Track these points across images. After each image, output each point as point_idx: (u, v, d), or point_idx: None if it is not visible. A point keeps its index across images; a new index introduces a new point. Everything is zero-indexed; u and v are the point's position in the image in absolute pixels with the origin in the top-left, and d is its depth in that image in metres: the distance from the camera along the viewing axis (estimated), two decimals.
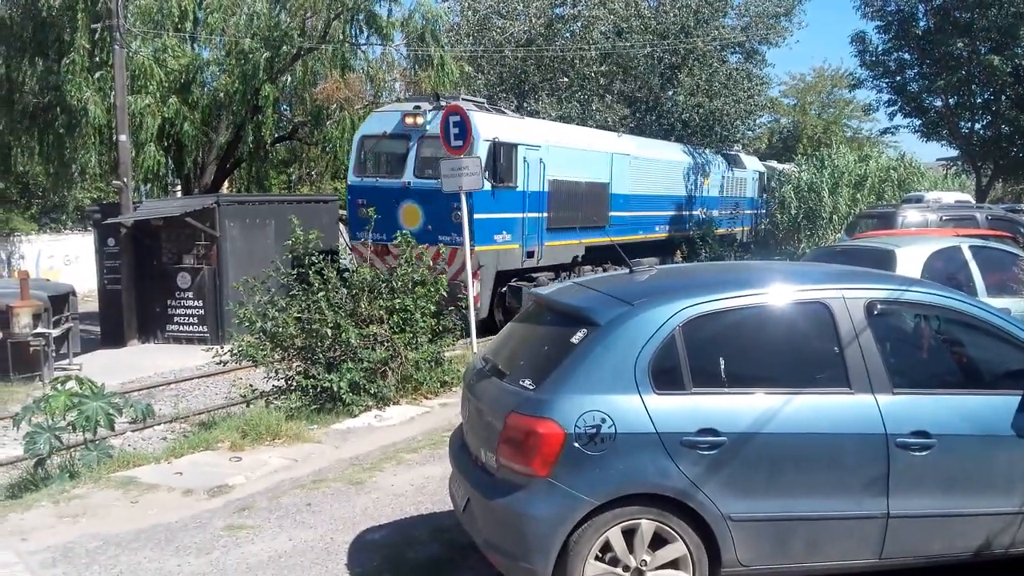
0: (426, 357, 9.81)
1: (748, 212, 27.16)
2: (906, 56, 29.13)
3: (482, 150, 14.05)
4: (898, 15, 28.02)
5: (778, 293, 4.52)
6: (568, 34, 26.08)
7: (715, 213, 24.44)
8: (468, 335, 12.02)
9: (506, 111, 17.31)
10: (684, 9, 25.09)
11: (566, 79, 25.86)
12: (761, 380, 4.34)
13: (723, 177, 25.14)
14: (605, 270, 17.47)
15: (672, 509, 4.08)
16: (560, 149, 16.58)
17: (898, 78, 29.49)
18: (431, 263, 10.67)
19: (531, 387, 4.23)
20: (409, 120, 14.94)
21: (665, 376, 4.18)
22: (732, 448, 4.10)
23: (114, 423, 7.85)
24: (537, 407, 4.10)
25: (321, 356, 9.09)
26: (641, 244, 19.72)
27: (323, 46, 21.48)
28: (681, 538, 4.10)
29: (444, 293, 10.47)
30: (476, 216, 13.81)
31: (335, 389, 8.79)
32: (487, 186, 13.67)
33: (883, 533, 4.29)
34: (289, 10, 21.30)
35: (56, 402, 7.32)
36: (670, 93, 26.78)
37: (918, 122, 30.45)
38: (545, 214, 16.10)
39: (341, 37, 21.75)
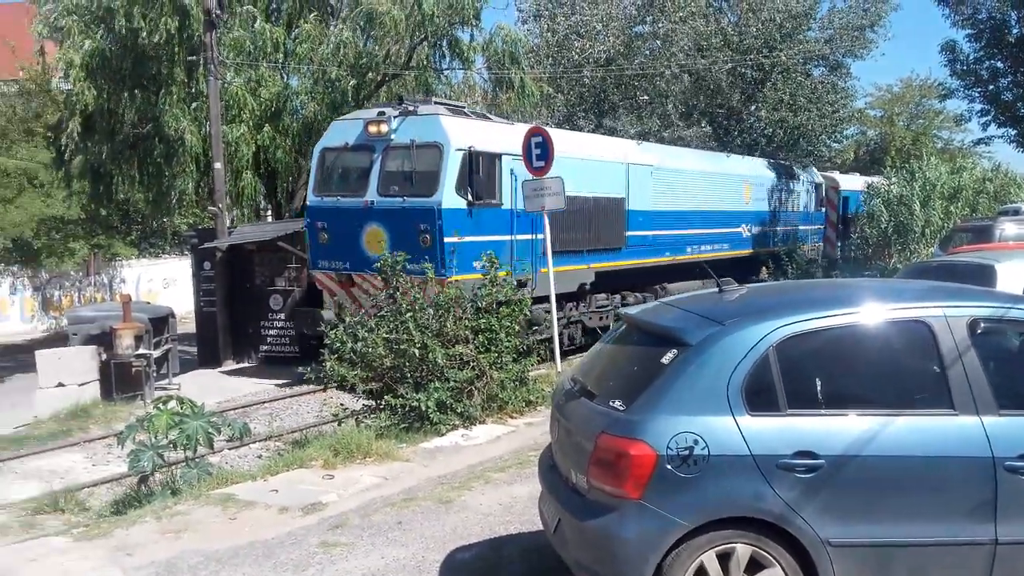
0: (511, 377, 9.87)
1: (805, 227, 24.95)
2: (999, 64, 28.09)
3: (452, 161, 12.43)
4: (989, 23, 27.07)
5: (875, 311, 4.42)
6: (647, 52, 26.02)
7: (765, 230, 22.18)
8: (552, 355, 12.04)
9: (491, 116, 15.09)
10: (767, 23, 24.77)
11: (646, 97, 25.78)
12: (859, 401, 4.24)
13: (774, 189, 22.68)
14: (624, 299, 16.10)
15: (768, 533, 4.01)
16: (560, 159, 13.30)
17: (991, 87, 28.45)
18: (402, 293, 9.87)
19: (621, 408, 4.22)
20: (373, 129, 13.01)
21: (759, 397, 4.12)
22: (830, 471, 4.01)
23: (213, 441, 8.15)
24: (628, 428, 4.09)
25: (409, 376, 9.24)
26: (670, 268, 17.42)
27: (407, 72, 21.93)
28: (778, 563, 4.03)
29: (528, 313, 10.53)
30: (446, 240, 12.25)
31: (423, 408, 8.91)
32: (461, 204, 12.47)
33: (991, 560, 4.13)
34: (374, 38, 21.81)
35: (159, 421, 7.63)
36: (752, 108, 26.42)
37: (1013, 132, 29.31)
38: (541, 236, 13.22)
39: (425, 63, 22.14)
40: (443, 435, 8.87)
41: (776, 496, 3.98)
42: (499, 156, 13.17)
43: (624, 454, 4.04)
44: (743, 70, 25.45)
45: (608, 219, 15.61)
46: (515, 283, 11.46)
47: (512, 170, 13.24)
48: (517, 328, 10.08)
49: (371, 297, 11.80)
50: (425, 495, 7.00)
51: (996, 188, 22.54)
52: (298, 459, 8.05)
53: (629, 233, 16.21)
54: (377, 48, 21.80)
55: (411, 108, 12.93)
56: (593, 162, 15.30)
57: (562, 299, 14.12)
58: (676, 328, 4.46)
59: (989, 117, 29.52)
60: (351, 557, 5.73)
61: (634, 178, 16.40)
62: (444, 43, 22.06)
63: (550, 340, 12.50)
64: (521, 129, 13.58)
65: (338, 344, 9.32)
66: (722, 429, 4.04)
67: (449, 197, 12.36)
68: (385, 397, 9.15)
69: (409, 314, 9.40)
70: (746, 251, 20.87)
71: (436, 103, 13.46)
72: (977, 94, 29.05)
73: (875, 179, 25.65)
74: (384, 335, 9.34)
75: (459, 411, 9.18)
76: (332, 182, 13.89)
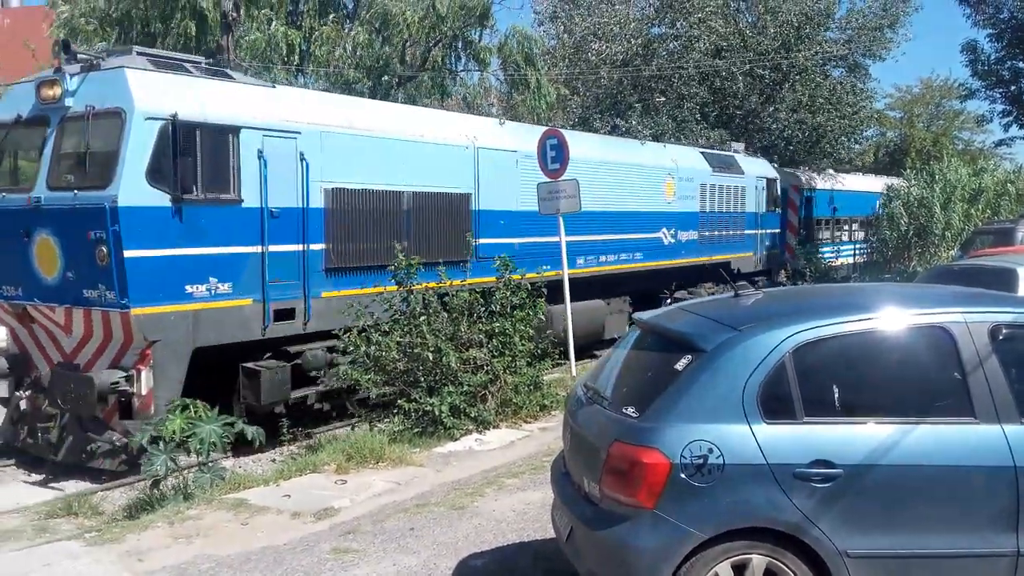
0: (525, 381, 9.81)
1: (749, 233, 20.39)
2: (1021, 65, 27.84)
3: (138, 136, 8.42)
4: (1011, 23, 26.83)
5: (895, 317, 4.33)
6: (665, 53, 25.92)
7: (698, 235, 18.18)
8: (567, 359, 11.96)
9: (232, 72, 10.73)
10: (785, 25, 24.63)
11: (663, 98, 25.69)
12: (878, 409, 4.15)
13: (711, 186, 18.60)
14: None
15: (785, 544, 3.93)
16: (352, 138, 10.52)
17: (1013, 87, 28.23)
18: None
19: (634, 415, 4.16)
20: (46, 92, 8.98)
21: (775, 405, 4.04)
22: (848, 481, 3.93)
23: (226, 446, 8.13)
24: (641, 436, 4.02)
25: (423, 380, 9.19)
26: (551, 286, 11.55)
27: (422, 74, 21.94)
28: (794, 574, 3.94)
29: (542, 317, 10.43)
30: (128, 254, 8.32)
31: (436, 413, 8.87)
32: (157, 199, 8.56)
33: (1013, 572, 4.03)
34: (390, 40, 21.84)
35: (172, 425, 7.62)
36: (771, 110, 26.26)
37: None
38: (320, 246, 10.09)
39: (440, 64, 22.16)
40: (457, 440, 8.82)
41: (793, 506, 3.90)
42: (236, 130, 9.21)
43: (637, 462, 3.97)
44: (761, 71, 25.30)
45: (445, 223, 11.87)
46: (272, 313, 9.45)
47: (262, 150, 9.40)
48: (531, 332, 10.01)
49: (59, 337, 9.04)
50: (438, 501, 6.95)
51: (1018, 190, 22.32)
52: (311, 464, 8.02)
53: (479, 241, 12.33)
54: (392, 50, 21.83)
55: (96, 60, 8.97)
56: (415, 143, 11.49)
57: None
58: (690, 333, 4.39)
59: (1011, 118, 29.29)
60: (363, 564, 5.68)
61: (488, 168, 12.55)
62: (459, 44, 22.09)
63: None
64: (280, 94, 10.38)
65: (352, 347, 9.29)
66: (737, 437, 3.96)
67: (132, 189, 8.38)
68: (398, 401, 9.11)
69: (423, 318, 9.36)
70: (669, 261, 16.94)
71: (139, 53, 9.40)
72: (999, 95, 28.84)
73: (896, 180, 25.11)
74: (398, 339, 9.30)
75: (473, 416, 9.12)
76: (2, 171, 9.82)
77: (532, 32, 23.72)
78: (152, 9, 19.20)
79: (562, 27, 26.87)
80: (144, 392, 8.56)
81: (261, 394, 9.30)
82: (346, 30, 21.79)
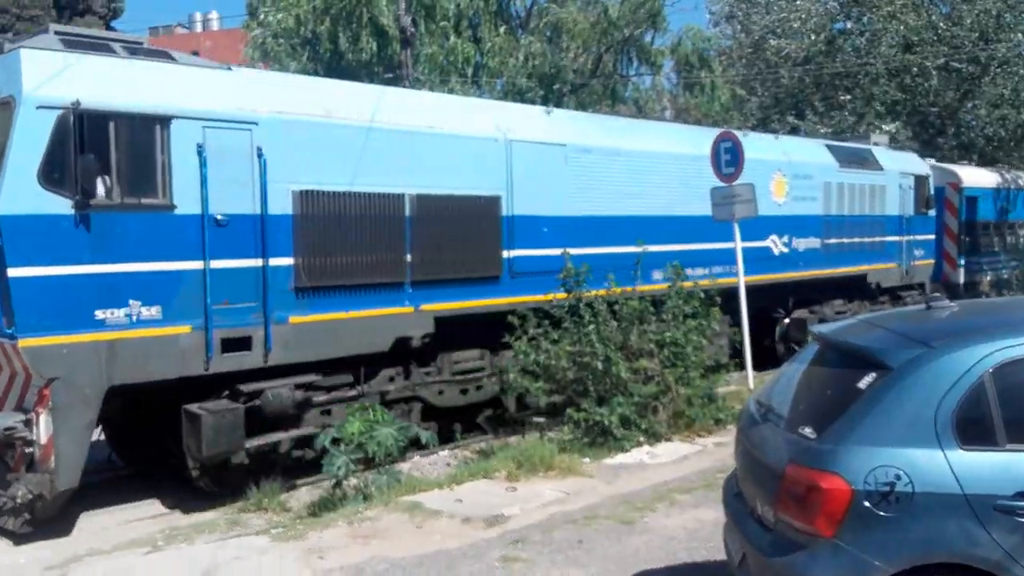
0: (698, 393, 9.55)
1: (892, 239, 17.00)
2: None
3: (27, 130, 7.02)
4: None
5: None
6: (850, 49, 24.65)
7: (820, 243, 15.14)
8: (744, 370, 11.56)
9: (176, 54, 8.67)
10: (983, 15, 22.81)
11: (848, 96, 24.42)
12: None
13: (838, 184, 15.51)
14: (496, 352, 10.37)
15: None
16: (331, 129, 8.82)
17: None
18: None
19: (812, 436, 3.92)
20: None
21: (973, 429, 3.70)
22: None
23: (403, 449, 8.38)
24: (819, 459, 3.78)
25: (592, 389, 9.13)
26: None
27: (593, 81, 21.94)
28: None
29: (715, 328, 10.10)
30: (12, 273, 6.95)
31: (606, 423, 8.78)
32: (54, 206, 7.11)
33: None
34: (561, 47, 21.98)
35: (352, 427, 7.95)
36: (969, 106, 24.39)
37: None
38: (287, 260, 8.45)
39: (611, 70, 22.08)
40: (627, 451, 8.70)
41: (993, 541, 3.55)
42: (165, 120, 7.69)
43: (815, 487, 3.73)
44: (957, 65, 23.57)
45: (460, 231, 9.91)
46: (218, 343, 7.86)
47: (203, 144, 7.86)
48: (705, 342, 9.73)
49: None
50: (607, 514, 6.86)
51: None
52: (483, 469, 8.15)
53: (511, 253, 10.41)
54: (564, 58, 21.97)
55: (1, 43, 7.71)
56: (425, 137, 9.64)
57: (343, 367, 9.00)
58: (876, 349, 4.09)
59: None
60: (530, 574, 5.69)
61: (525, 165, 10.57)
62: (631, 49, 21.92)
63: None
64: (235, 77, 8.64)
65: (521, 355, 9.36)
66: (929, 464, 3.65)
67: (20, 194, 7.01)
68: (567, 410, 9.10)
69: (592, 326, 9.30)
70: (780, 275, 14.00)
71: (56, 32, 7.83)
72: None
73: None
74: (567, 347, 9.28)
75: (643, 427, 8.97)
76: None
77: (708, 32, 23.20)
78: (337, 28, 20.24)
79: (739, 26, 26.09)
80: (43, 440, 7.06)
81: (202, 443, 7.73)
82: (519, 40, 22.13)
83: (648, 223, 11.71)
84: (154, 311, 7.59)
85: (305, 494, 8.69)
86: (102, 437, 9.00)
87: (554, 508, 7.09)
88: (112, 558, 6.64)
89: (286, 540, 6.48)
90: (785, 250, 14.41)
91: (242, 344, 8.12)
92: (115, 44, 8.05)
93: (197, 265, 7.84)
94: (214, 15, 54.67)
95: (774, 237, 14.19)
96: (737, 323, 11.74)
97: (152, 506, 8.52)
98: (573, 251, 10.28)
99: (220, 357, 7.94)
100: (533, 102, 20.78)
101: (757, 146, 14.02)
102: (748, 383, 11.36)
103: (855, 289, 16.22)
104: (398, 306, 9.34)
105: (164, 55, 8.39)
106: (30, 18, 34.46)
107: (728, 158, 11.80)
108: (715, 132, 14.09)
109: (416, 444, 8.87)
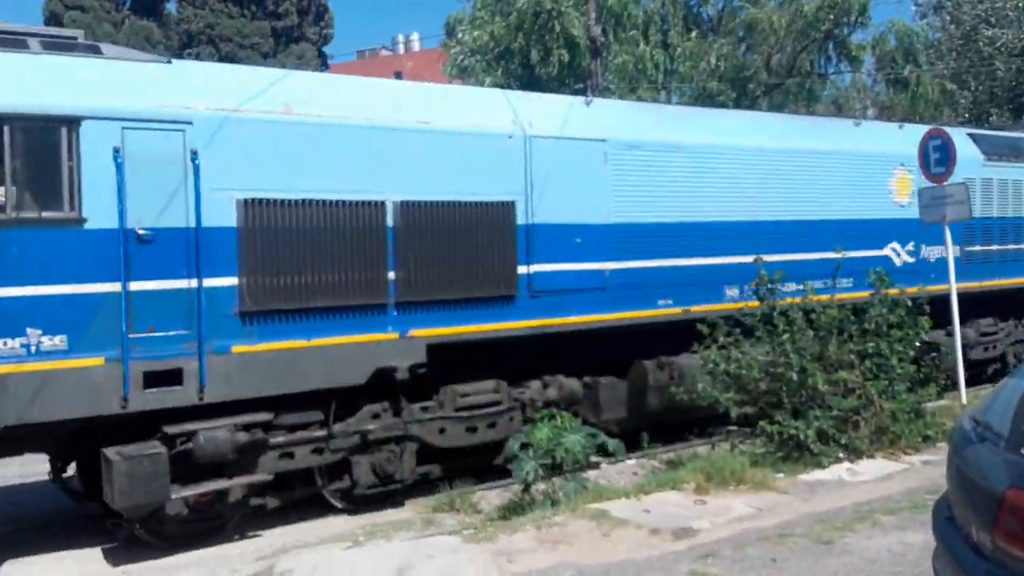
0: (904, 408, 8.96)
1: None
2: None
3: None
4: None
5: None
6: None
7: (925, 254, 12.48)
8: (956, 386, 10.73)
9: (106, 47, 7.83)
10: None
11: None
12: None
13: (965, 180, 11.51)
14: (518, 384, 9.31)
15: None
16: (287, 127, 7.76)
17: None
18: None
19: None
20: None
21: None
22: None
23: (589, 456, 8.41)
24: None
25: (786, 401, 8.77)
26: (676, 328, 9.69)
27: (788, 81, 21.15)
28: None
29: (926, 337, 9.45)
30: None
31: (801, 437, 8.40)
32: None
33: None
34: (754, 49, 21.36)
35: (540, 433, 8.06)
36: None
37: None
38: (229, 281, 7.43)
39: (808, 68, 21.21)
40: (824, 468, 8.28)
41: None
42: (73, 121, 6.85)
43: None
44: None
45: (461, 243, 8.62)
46: (139, 377, 6.92)
47: (120, 148, 6.96)
48: (911, 353, 9.11)
49: None
50: (803, 532, 6.56)
51: None
52: (671, 480, 8.01)
53: (531, 268, 8.99)
54: (757, 59, 21.33)
55: None
56: (415, 134, 8.42)
57: (335, 398, 8.04)
58: None
59: None
60: None
61: (548, 165, 9.13)
62: (830, 45, 20.95)
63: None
64: (170, 72, 7.62)
65: (711, 364, 9.13)
66: None
67: None
68: (760, 423, 8.78)
69: (786, 335, 8.94)
70: (905, 289, 9.65)
71: None
72: None
73: None
74: (760, 357, 8.97)
75: (843, 443, 8.51)
76: None
77: (914, 26, 21.80)
78: (529, 42, 20.66)
79: (948, 17, 24.37)
80: None
81: (114, 493, 6.81)
82: (708, 43, 21.70)
83: (716, 231, 10.28)
84: (58, 340, 6.71)
85: (495, 496, 8.90)
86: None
87: (746, 523, 6.86)
88: (316, 551, 7.07)
89: (477, 541, 6.64)
90: (910, 260, 12.30)
91: (171, 378, 7.10)
92: (32, 39, 7.21)
93: (113, 287, 6.90)
94: (415, 36, 57.22)
95: (895, 244, 12.16)
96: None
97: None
98: (607, 266, 9.35)
99: (141, 393, 6.99)
100: (724, 105, 20.27)
101: (875, 137, 12.57)
102: (961, 398, 10.54)
103: (1008, 305, 13.91)
104: (378, 332, 8.11)
105: (90, 49, 7.52)
106: (251, 46, 37.63)
107: (938, 156, 11.08)
108: (840, 125, 12.96)
109: (603, 451, 8.85)
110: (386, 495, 8.59)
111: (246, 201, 7.48)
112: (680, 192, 10.08)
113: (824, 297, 9.36)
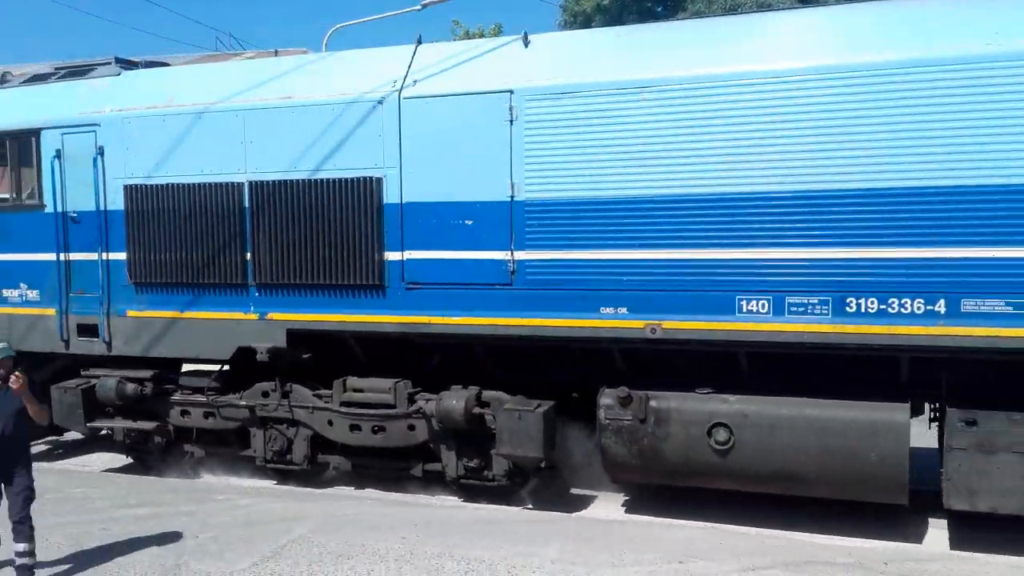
0: None
1: None
2: None
3: None
4: None
5: None
6: None
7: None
8: None
9: (87, 65, 9.83)
10: None
11: None
12: None
13: None
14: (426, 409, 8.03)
15: None
16: (164, 119, 8.61)
17: None
18: None
19: None
20: None
21: None
22: None
23: None
24: None
25: None
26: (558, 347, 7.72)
27: None
28: None
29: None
30: None
31: None
32: None
33: None
34: None
35: None
36: None
37: None
38: (121, 255, 8.97)
39: None
40: None
41: None
42: (37, 133, 9.25)
43: None
44: None
45: (327, 225, 7.99)
46: (74, 327, 9.14)
47: (60, 150, 9.08)
48: None
49: None
50: None
51: None
52: None
53: (405, 255, 7.79)
54: None
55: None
56: (274, 112, 8.20)
57: (235, 368, 8.87)
58: None
59: None
60: None
61: (428, 129, 7.70)
62: None
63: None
64: (94, 85, 9.31)
65: None
66: None
67: None
68: None
69: None
70: None
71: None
72: None
73: None
74: None
75: None
76: None
77: None
78: None
79: None
80: None
81: (52, 413, 8.70)
82: None
83: (721, 206, 6.78)
84: (34, 294, 9.38)
85: None
86: None
87: None
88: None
89: None
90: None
91: (92, 331, 9.13)
92: (11, 74, 10.15)
93: (54, 257, 9.26)
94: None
95: None
96: None
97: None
98: (517, 256, 7.33)
99: (77, 340, 9.21)
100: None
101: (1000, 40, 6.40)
102: None
103: None
104: (239, 311, 8.38)
105: (77, 73, 9.66)
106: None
107: None
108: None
109: None
110: (308, 473, 8.88)
111: (129, 187, 8.84)
112: (646, 152, 6.99)
113: (933, 330, 6.16)
